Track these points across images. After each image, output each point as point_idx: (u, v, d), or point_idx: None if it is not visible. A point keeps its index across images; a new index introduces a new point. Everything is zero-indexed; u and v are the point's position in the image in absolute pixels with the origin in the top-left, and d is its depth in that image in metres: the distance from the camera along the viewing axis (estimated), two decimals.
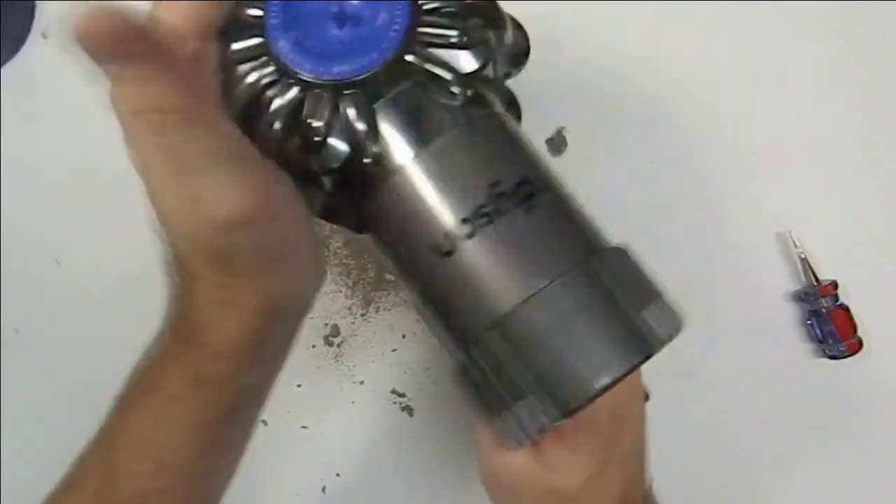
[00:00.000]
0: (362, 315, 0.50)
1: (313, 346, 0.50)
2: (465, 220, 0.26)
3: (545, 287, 0.25)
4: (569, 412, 0.25)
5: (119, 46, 0.21)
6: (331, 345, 0.50)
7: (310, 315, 0.49)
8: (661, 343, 0.26)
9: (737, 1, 0.51)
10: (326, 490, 0.49)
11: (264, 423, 0.49)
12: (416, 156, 0.26)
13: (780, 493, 0.48)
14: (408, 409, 0.49)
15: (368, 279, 0.50)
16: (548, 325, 0.25)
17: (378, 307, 0.50)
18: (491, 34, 0.28)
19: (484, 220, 0.25)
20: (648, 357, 0.25)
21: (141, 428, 0.29)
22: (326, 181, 0.28)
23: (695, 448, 0.47)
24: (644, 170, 0.50)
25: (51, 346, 0.49)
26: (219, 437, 0.30)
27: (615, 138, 0.51)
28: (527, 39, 0.30)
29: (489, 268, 0.25)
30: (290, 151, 0.27)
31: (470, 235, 0.25)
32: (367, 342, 0.50)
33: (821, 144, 0.51)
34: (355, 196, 0.28)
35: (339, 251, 0.50)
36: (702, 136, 0.52)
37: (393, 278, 0.50)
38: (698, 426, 0.48)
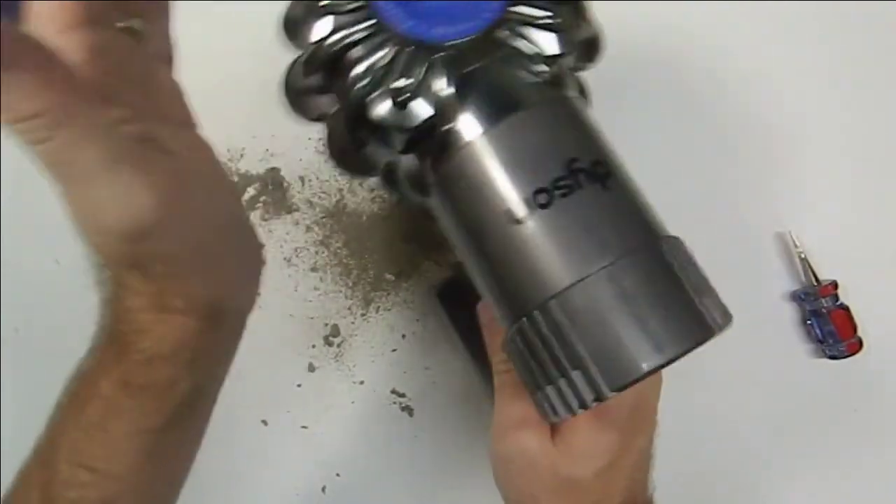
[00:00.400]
0: (362, 315, 0.50)
1: (313, 346, 0.50)
2: (541, 191, 0.26)
3: (612, 263, 0.25)
4: (618, 388, 0.25)
5: None
6: (331, 345, 0.50)
7: (310, 315, 0.50)
8: (718, 329, 0.26)
9: (740, 0, 0.51)
10: (326, 490, 0.49)
11: (264, 423, 0.49)
12: (497, 125, 0.27)
13: (779, 493, 0.48)
14: (408, 409, 0.49)
15: (368, 279, 0.50)
16: (610, 301, 0.25)
17: (378, 307, 0.50)
18: (575, 25, 0.29)
19: (560, 192, 0.26)
20: (705, 341, 0.26)
21: (79, 438, 0.28)
22: (399, 140, 0.28)
23: (695, 448, 0.47)
24: (644, 170, 0.50)
25: (51, 346, 0.49)
26: (161, 443, 0.29)
27: (615, 138, 0.51)
28: (600, 38, 0.31)
29: (559, 239, 0.26)
30: (371, 106, 0.27)
31: (544, 206, 0.26)
32: (367, 342, 0.50)
33: (821, 144, 0.51)
34: (427, 158, 0.29)
35: (339, 251, 0.50)
36: (702, 136, 0.52)
37: (393, 278, 0.50)
38: (698, 426, 0.48)
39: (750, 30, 0.52)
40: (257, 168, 0.50)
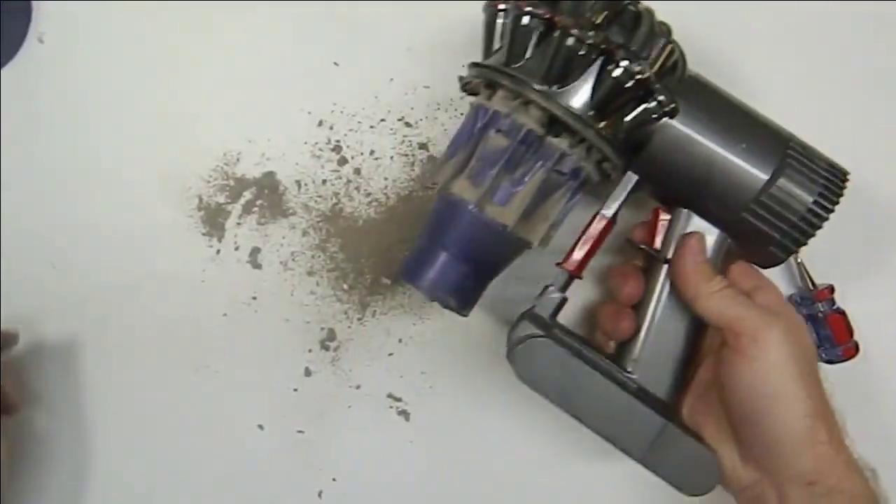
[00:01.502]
0: (358, 319, 0.50)
1: (309, 351, 0.50)
2: None
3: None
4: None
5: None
6: (327, 349, 0.50)
7: (306, 319, 0.50)
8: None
9: (736, 1, 0.51)
10: (322, 495, 0.49)
11: (260, 427, 0.49)
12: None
13: None
14: (404, 414, 0.49)
15: (365, 283, 0.50)
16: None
17: (374, 311, 0.50)
18: None
19: None
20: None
21: None
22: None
23: None
24: None
25: (51, 346, 0.49)
26: None
27: None
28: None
29: None
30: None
31: None
32: (364, 346, 0.50)
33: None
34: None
35: (335, 255, 0.50)
36: None
37: (389, 282, 0.50)
38: None
39: (750, 28, 0.52)
40: (253, 172, 0.50)
